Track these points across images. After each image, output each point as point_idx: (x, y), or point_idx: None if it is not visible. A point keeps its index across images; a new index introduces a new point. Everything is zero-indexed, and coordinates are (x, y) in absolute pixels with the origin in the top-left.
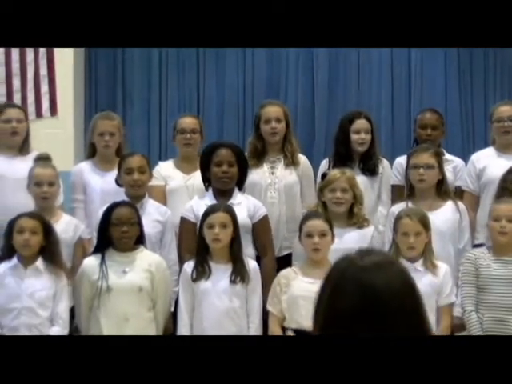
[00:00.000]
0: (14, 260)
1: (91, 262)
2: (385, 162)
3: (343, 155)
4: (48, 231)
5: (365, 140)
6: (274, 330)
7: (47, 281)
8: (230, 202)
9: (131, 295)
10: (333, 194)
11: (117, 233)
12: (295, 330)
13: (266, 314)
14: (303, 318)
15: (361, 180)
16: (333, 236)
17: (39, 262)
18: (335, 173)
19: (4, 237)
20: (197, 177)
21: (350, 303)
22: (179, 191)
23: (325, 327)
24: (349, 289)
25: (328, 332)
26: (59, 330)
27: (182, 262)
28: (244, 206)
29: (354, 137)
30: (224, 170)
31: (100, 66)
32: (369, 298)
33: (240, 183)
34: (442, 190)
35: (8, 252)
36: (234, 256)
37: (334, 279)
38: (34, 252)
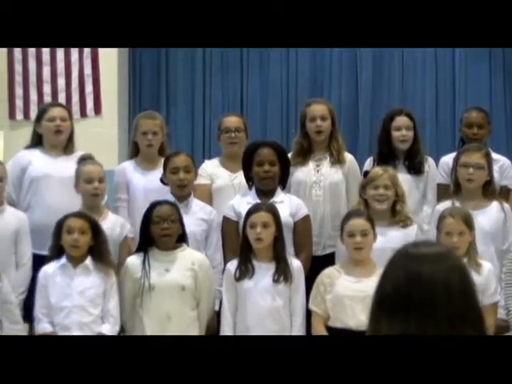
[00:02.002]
0: (63, 259)
1: (134, 261)
2: (430, 161)
3: (386, 154)
4: (96, 230)
5: (406, 137)
6: (319, 329)
7: (96, 279)
8: (272, 200)
9: (174, 294)
10: (375, 191)
11: (158, 230)
12: (341, 330)
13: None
14: (349, 318)
15: (406, 179)
16: (375, 235)
17: (88, 261)
18: (378, 170)
19: (52, 237)
20: (243, 175)
21: (395, 287)
22: (225, 190)
23: (373, 311)
24: (396, 273)
25: (375, 316)
26: (110, 327)
27: (226, 261)
28: (286, 204)
29: (395, 134)
30: (266, 170)
31: (144, 65)
32: (413, 285)
33: (283, 182)
34: (489, 191)
35: (56, 252)
36: (277, 255)
37: (386, 266)
38: (83, 252)
